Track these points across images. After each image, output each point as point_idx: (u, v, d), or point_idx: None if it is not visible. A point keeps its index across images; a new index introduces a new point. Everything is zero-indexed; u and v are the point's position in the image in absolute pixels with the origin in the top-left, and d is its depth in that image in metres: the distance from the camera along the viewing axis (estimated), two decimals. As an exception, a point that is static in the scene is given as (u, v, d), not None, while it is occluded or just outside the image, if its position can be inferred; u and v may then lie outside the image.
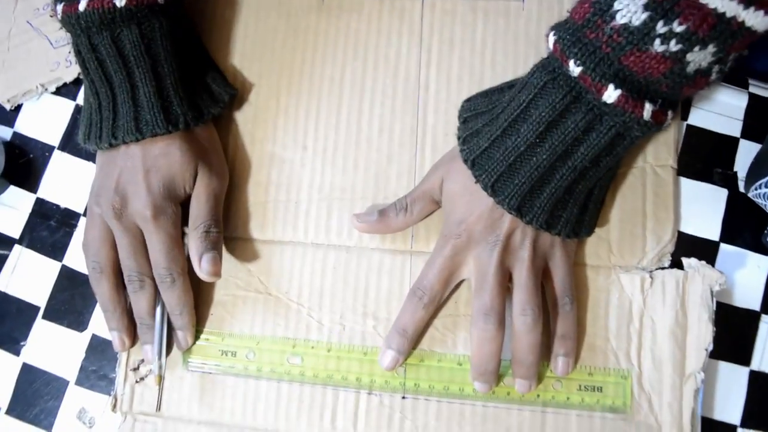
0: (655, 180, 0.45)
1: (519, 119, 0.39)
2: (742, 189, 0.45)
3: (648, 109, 0.36)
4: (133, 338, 0.44)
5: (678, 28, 0.34)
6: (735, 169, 0.45)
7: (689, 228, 0.45)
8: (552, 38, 0.38)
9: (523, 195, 0.39)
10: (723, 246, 0.45)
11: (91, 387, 0.45)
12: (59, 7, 0.41)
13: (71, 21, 0.41)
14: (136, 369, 0.44)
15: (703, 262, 0.43)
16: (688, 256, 0.43)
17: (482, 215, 0.40)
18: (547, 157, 0.38)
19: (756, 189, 0.42)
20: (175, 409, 0.44)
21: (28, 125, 0.49)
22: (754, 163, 0.44)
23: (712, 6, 0.33)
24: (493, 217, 0.40)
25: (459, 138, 0.43)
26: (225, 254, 0.45)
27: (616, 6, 0.35)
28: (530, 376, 0.41)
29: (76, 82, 0.49)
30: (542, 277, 0.42)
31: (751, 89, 0.47)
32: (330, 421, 0.43)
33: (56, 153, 0.48)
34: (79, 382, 0.45)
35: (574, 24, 0.37)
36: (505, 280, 0.41)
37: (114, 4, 0.40)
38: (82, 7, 0.40)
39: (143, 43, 0.41)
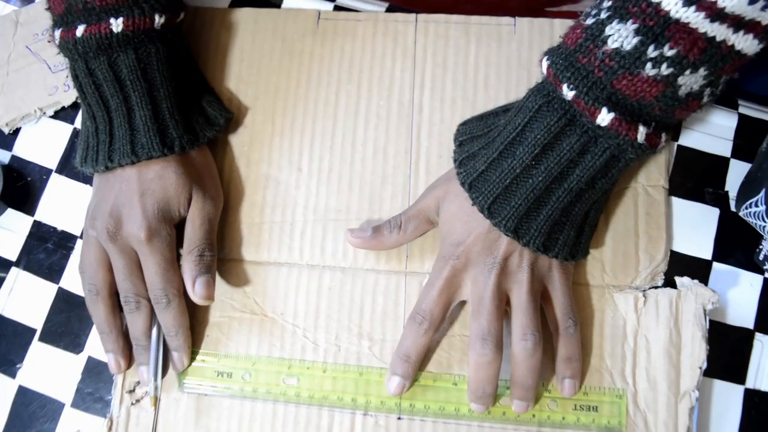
0: (647, 200, 0.45)
1: (515, 142, 0.39)
2: (733, 208, 0.45)
3: (642, 131, 0.37)
4: (129, 360, 0.44)
5: (669, 52, 0.34)
6: (726, 189, 0.46)
7: (682, 247, 0.45)
8: (545, 63, 0.39)
9: (519, 217, 0.39)
10: (715, 265, 0.45)
11: (87, 409, 0.45)
12: (57, 33, 0.42)
13: (69, 46, 0.41)
14: (132, 391, 0.44)
15: (696, 281, 0.43)
16: (681, 275, 0.44)
17: (479, 237, 0.41)
18: (543, 179, 0.39)
19: (747, 208, 0.43)
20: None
21: (26, 149, 0.50)
22: (745, 183, 0.44)
23: (702, 30, 0.33)
24: (489, 239, 0.41)
25: (456, 161, 0.43)
26: (220, 275, 0.46)
27: (608, 31, 0.36)
28: (529, 398, 0.41)
29: (74, 106, 0.50)
30: (542, 299, 0.42)
31: (741, 110, 0.47)
32: (325, 443, 0.43)
33: (54, 176, 0.49)
34: (75, 404, 0.45)
35: (566, 49, 0.38)
36: (503, 303, 0.41)
37: (111, 30, 0.40)
38: (79, 32, 0.41)
39: (139, 67, 0.42)
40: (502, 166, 0.40)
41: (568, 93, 0.37)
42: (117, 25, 0.40)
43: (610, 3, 0.36)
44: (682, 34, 0.34)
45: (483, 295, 0.40)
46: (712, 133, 0.47)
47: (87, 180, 0.48)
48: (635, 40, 0.35)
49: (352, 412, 0.43)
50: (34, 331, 0.46)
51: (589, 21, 0.37)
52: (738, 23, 0.33)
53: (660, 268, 0.44)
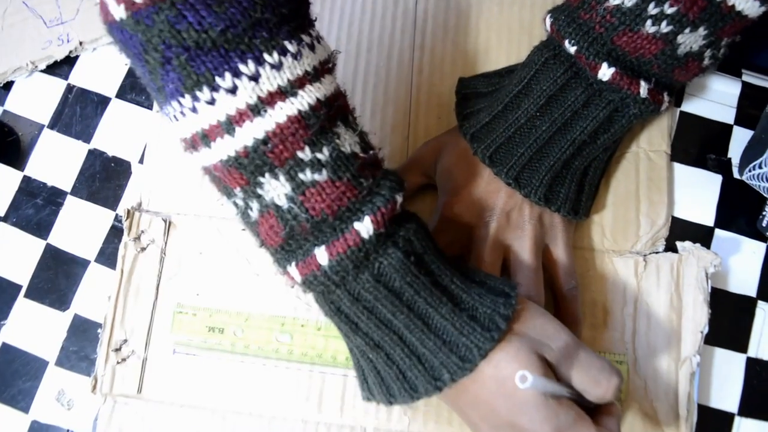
0: (648, 165, 0.45)
1: (521, 94, 0.39)
2: (736, 175, 0.45)
3: (644, 86, 0.37)
4: None
5: (669, 9, 0.34)
6: (729, 156, 0.45)
7: (684, 213, 0.44)
8: (548, 20, 0.39)
9: (521, 166, 0.39)
10: (718, 231, 0.44)
11: (72, 368, 0.43)
12: (292, 270, 0.32)
13: (318, 281, 0.31)
14: (117, 350, 0.43)
15: (698, 245, 0.42)
16: (683, 241, 0.43)
17: (478, 186, 0.40)
18: (547, 129, 0.38)
19: (750, 171, 0.42)
20: (157, 392, 0.42)
21: (18, 104, 0.49)
22: (748, 147, 0.43)
23: None
24: (489, 189, 0.40)
25: (458, 114, 0.43)
26: (211, 235, 0.45)
27: None
28: None
29: (67, 61, 0.49)
30: (542, 258, 0.41)
31: (744, 78, 0.47)
32: (317, 404, 0.42)
33: (45, 131, 0.48)
34: (59, 362, 0.44)
35: (569, 6, 0.38)
36: (500, 258, 0.40)
37: (361, 237, 0.31)
38: (323, 260, 0.31)
39: (411, 261, 0.32)
40: (506, 118, 0.39)
41: (570, 49, 0.37)
42: (365, 228, 0.31)
43: None
44: None
45: (480, 248, 0.39)
46: (716, 100, 0.46)
47: (79, 136, 0.48)
48: None
49: (344, 375, 0.42)
50: (19, 287, 0.45)
51: None
52: None
53: (661, 233, 0.43)
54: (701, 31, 0.35)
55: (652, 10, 0.35)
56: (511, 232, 0.40)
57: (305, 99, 0.29)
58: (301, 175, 0.29)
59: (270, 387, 0.42)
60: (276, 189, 0.30)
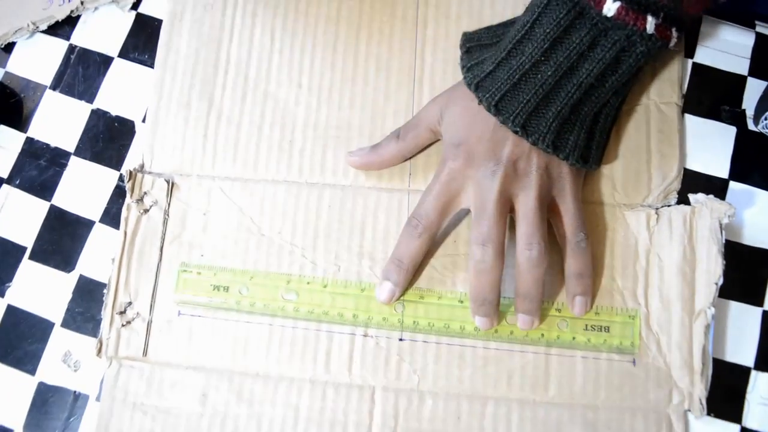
0: (659, 117, 0.44)
1: (524, 39, 0.38)
2: (751, 126, 0.44)
3: (651, 21, 0.36)
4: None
5: None
6: (743, 107, 0.44)
7: (697, 166, 0.43)
8: None
9: (528, 113, 0.38)
10: (732, 184, 0.43)
11: (78, 329, 0.43)
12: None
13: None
14: (122, 312, 0.42)
15: (711, 196, 0.41)
16: (697, 193, 0.42)
17: (483, 136, 0.39)
18: (553, 74, 0.37)
19: (765, 120, 0.41)
20: (162, 354, 0.42)
21: (19, 65, 0.48)
22: (763, 96, 0.42)
23: None
24: (495, 139, 0.39)
25: (463, 67, 0.42)
26: (215, 193, 0.44)
27: None
28: (534, 311, 0.39)
29: (68, 21, 0.48)
30: (550, 212, 0.40)
31: (758, 29, 0.45)
32: (324, 364, 0.41)
33: (48, 92, 0.47)
34: (65, 324, 0.43)
35: None
36: (506, 209, 0.39)
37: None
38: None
39: None
40: (510, 64, 0.38)
41: None
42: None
43: None
44: None
45: (486, 199, 0.38)
46: (729, 51, 0.45)
47: (82, 96, 0.47)
48: None
49: (352, 334, 0.41)
50: (24, 249, 0.45)
51: None
52: None
53: (673, 186, 0.43)
54: None
55: None
56: (518, 182, 0.39)
57: None
58: None
59: (276, 347, 0.42)
60: None
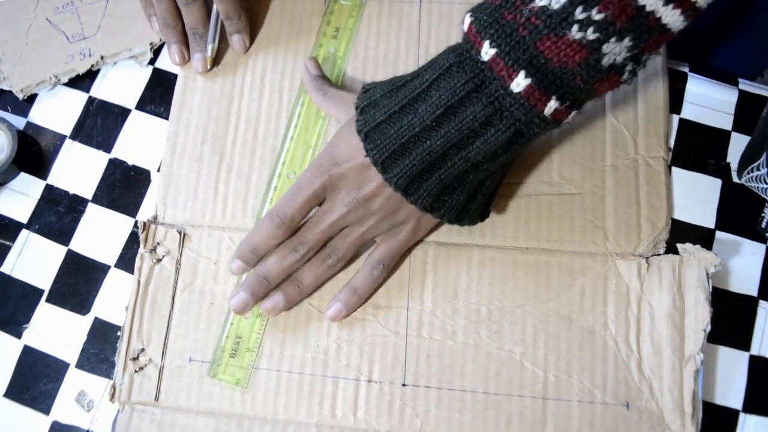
0: (647, 171, 0.46)
1: (419, 98, 0.38)
2: (735, 179, 0.46)
3: (551, 106, 0.35)
4: (188, 53, 0.50)
5: (596, 15, 0.33)
6: (728, 160, 0.47)
7: (685, 216, 0.45)
8: (468, 20, 0.37)
9: (411, 177, 0.39)
10: (718, 233, 0.45)
11: (92, 370, 0.45)
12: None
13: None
14: (135, 358, 0.44)
15: (698, 246, 0.43)
16: (685, 243, 0.44)
17: (356, 167, 0.41)
18: (442, 144, 0.38)
19: (749, 173, 0.43)
20: (173, 399, 0.43)
21: (41, 115, 0.51)
22: (746, 151, 0.45)
23: None
24: (364, 174, 0.41)
25: (356, 107, 0.42)
26: (225, 243, 0.46)
27: None
28: (293, 298, 0.44)
29: (89, 74, 0.51)
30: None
31: (741, 86, 0.48)
32: (330, 409, 0.43)
33: (67, 142, 0.50)
34: (80, 364, 0.45)
35: (491, 4, 0.36)
36: (335, 228, 0.43)
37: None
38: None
39: None
40: (401, 121, 0.39)
41: (489, 51, 0.35)
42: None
43: None
44: None
45: (325, 215, 0.42)
46: (714, 107, 0.48)
47: (100, 146, 0.49)
48: (564, 0, 0.33)
49: (357, 380, 0.43)
50: (41, 291, 0.47)
51: None
52: None
53: (662, 236, 0.45)
54: (626, 41, 0.33)
55: (580, 14, 0.33)
56: (361, 215, 0.42)
57: None
58: None
59: (284, 392, 0.43)
60: None
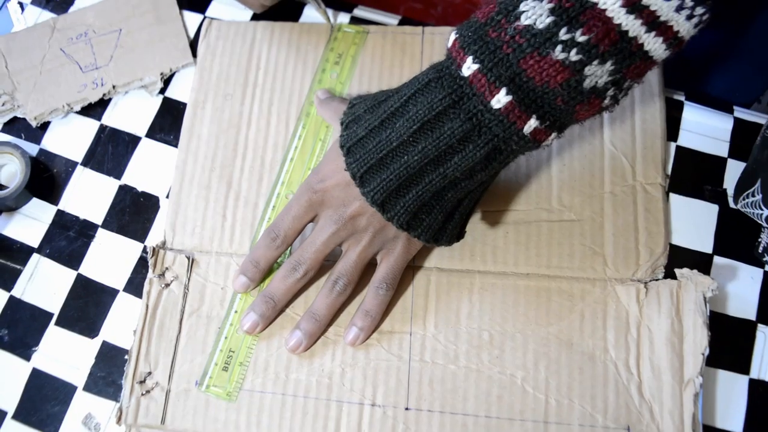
0: (645, 197, 0.47)
1: (397, 113, 0.39)
2: (731, 204, 0.47)
3: (531, 124, 0.36)
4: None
5: (580, 37, 0.33)
6: (724, 187, 0.47)
7: (683, 242, 0.46)
8: (452, 36, 0.37)
9: (388, 192, 0.40)
10: (716, 259, 0.46)
11: (99, 393, 0.45)
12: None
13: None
14: (142, 382, 0.44)
15: (695, 271, 0.44)
16: (683, 268, 0.44)
17: (340, 184, 0.42)
18: (419, 159, 0.38)
19: (744, 199, 0.44)
20: (179, 422, 0.44)
21: (54, 142, 0.52)
22: (741, 178, 0.46)
23: (617, 21, 0.33)
24: (348, 192, 0.42)
25: (341, 123, 0.42)
26: (233, 269, 0.47)
27: (522, 7, 0.35)
28: (314, 332, 0.44)
29: (100, 103, 0.52)
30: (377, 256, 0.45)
31: (736, 114, 0.49)
32: (334, 433, 0.43)
33: (79, 168, 0.51)
34: (87, 387, 0.46)
35: (477, 22, 0.36)
36: (327, 249, 0.44)
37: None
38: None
39: None
40: (380, 136, 0.39)
41: (471, 66, 0.35)
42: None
43: None
44: (597, 21, 0.33)
45: (317, 233, 0.43)
46: (710, 134, 0.49)
47: (111, 173, 0.51)
48: (549, 20, 0.34)
49: (360, 403, 0.43)
50: (51, 315, 0.47)
51: None
52: (652, 22, 0.33)
53: (660, 261, 0.45)
54: (608, 65, 0.34)
55: (564, 35, 0.33)
56: (351, 234, 0.43)
57: None
58: None
59: (288, 416, 0.44)
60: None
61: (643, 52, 0.34)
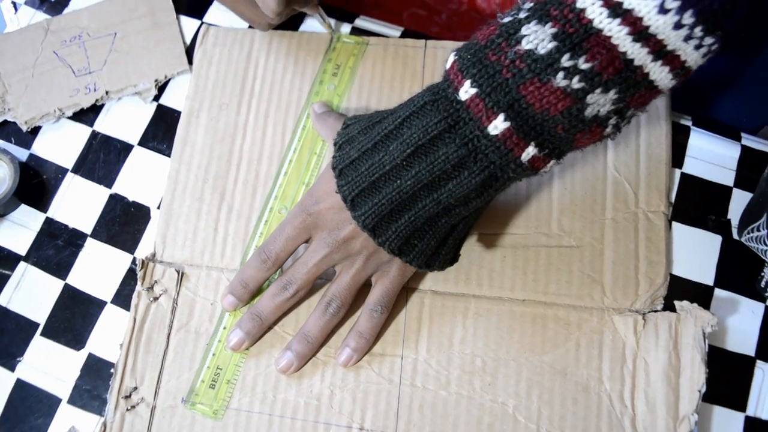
0: (647, 225, 0.46)
1: (391, 135, 0.38)
2: (735, 236, 0.46)
3: (529, 152, 0.35)
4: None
5: (583, 65, 0.32)
6: (728, 217, 0.46)
7: (683, 272, 0.45)
8: (452, 58, 0.36)
9: (380, 216, 0.39)
10: (717, 291, 0.45)
11: (83, 406, 0.45)
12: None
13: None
14: (127, 397, 0.44)
15: (695, 305, 0.43)
16: (683, 300, 0.44)
17: (333, 207, 0.41)
18: (412, 184, 0.37)
19: (749, 233, 0.43)
20: (164, 439, 0.43)
21: (44, 148, 0.51)
22: (747, 210, 0.45)
23: (622, 49, 0.32)
24: (341, 215, 0.41)
25: (335, 143, 0.41)
26: (223, 284, 0.46)
27: (524, 31, 0.33)
28: (305, 354, 0.43)
29: (93, 109, 0.51)
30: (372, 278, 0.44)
31: (744, 141, 0.48)
32: (322, 455, 0.42)
33: (69, 175, 0.50)
34: (72, 400, 0.45)
35: (476, 44, 0.35)
36: (319, 271, 0.43)
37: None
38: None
39: None
40: (372, 159, 0.38)
41: (469, 90, 0.34)
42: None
43: (531, 4, 0.34)
44: (601, 48, 0.32)
45: (310, 255, 0.43)
46: (716, 162, 0.48)
47: (101, 181, 0.50)
48: (551, 45, 0.32)
49: (348, 426, 0.43)
50: (37, 325, 0.47)
51: (507, 19, 0.35)
52: (659, 51, 0.32)
53: (660, 292, 0.44)
54: (612, 94, 0.33)
55: (566, 62, 0.32)
56: (344, 257, 0.43)
57: None
58: None
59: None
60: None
61: (648, 82, 0.33)
